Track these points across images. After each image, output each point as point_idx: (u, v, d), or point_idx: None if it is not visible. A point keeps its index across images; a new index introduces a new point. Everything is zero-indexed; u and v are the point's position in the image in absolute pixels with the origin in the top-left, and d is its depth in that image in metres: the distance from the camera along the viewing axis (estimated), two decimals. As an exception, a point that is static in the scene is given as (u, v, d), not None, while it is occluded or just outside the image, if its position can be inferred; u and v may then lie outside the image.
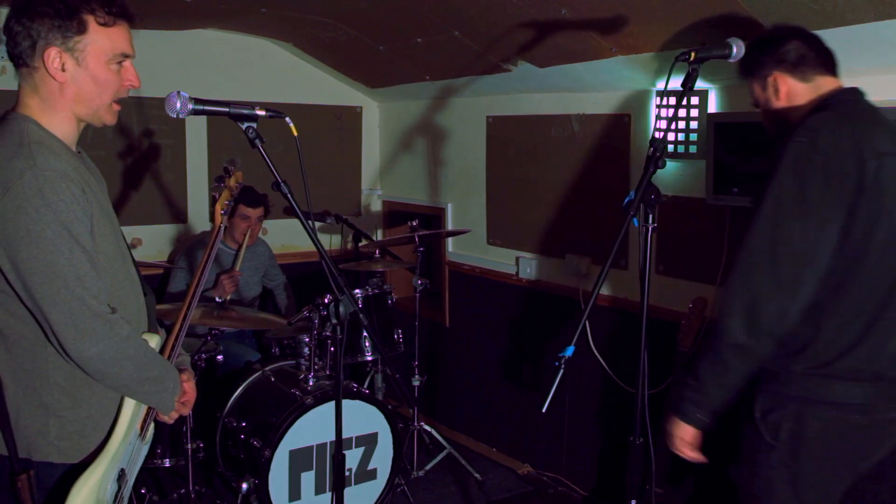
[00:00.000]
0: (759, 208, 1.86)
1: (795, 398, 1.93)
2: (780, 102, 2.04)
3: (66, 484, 1.73)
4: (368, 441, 3.30)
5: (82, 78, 1.71)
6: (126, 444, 1.85)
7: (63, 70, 1.69)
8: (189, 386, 1.98)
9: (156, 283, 4.10)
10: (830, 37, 2.32)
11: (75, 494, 1.71)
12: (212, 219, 4.44)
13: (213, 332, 3.38)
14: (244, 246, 3.86)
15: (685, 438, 1.99)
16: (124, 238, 1.92)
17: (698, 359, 1.99)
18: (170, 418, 1.96)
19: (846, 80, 2.57)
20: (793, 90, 2.02)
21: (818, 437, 1.89)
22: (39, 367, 1.72)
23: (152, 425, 2.01)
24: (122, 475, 1.85)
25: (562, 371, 1.74)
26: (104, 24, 1.70)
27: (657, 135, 1.95)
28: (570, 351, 1.76)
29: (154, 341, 1.92)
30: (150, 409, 1.95)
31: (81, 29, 1.68)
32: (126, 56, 1.76)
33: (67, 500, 1.70)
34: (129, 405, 1.86)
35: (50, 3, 1.66)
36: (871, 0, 2.14)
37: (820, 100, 2.00)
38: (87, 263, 1.66)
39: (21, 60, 1.70)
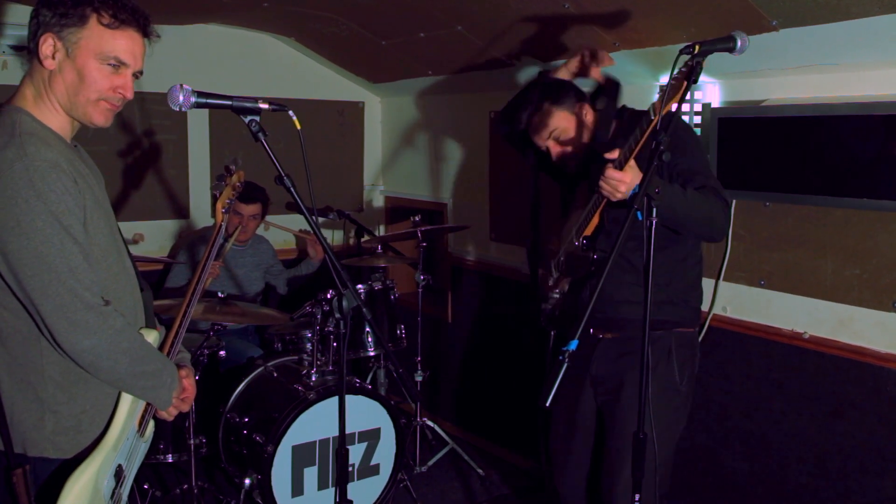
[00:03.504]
0: None
1: None
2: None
3: (61, 478, 1.72)
4: (371, 436, 3.30)
5: (68, 69, 1.72)
6: (124, 440, 1.84)
7: (53, 58, 1.71)
8: (188, 382, 1.98)
9: (157, 279, 4.10)
10: (835, 31, 2.32)
11: (69, 488, 1.70)
12: (213, 215, 4.45)
13: (216, 327, 3.38)
14: (231, 240, 3.84)
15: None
16: (120, 232, 1.92)
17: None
18: (168, 415, 1.95)
19: (850, 75, 2.58)
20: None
21: None
22: (34, 361, 1.71)
23: (152, 423, 2.00)
24: (119, 471, 1.84)
25: (565, 365, 1.74)
26: (107, 26, 1.72)
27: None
28: (573, 345, 1.75)
29: (152, 337, 1.91)
30: (148, 405, 1.95)
31: (81, 23, 1.70)
32: (122, 63, 1.75)
33: (62, 494, 1.69)
34: (127, 400, 1.85)
35: None
36: (876, -7, 2.13)
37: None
38: (79, 255, 1.66)
39: (30, 51, 1.73)
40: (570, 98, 2.54)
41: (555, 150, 2.56)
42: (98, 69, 1.73)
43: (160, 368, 1.85)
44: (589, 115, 2.56)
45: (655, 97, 3.10)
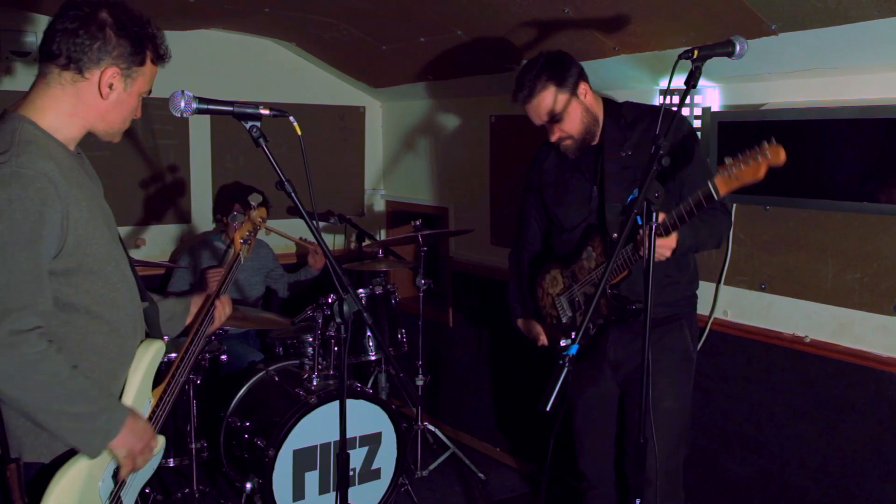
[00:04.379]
0: None
1: None
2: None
3: (49, 476, 1.72)
4: (372, 441, 3.30)
5: (121, 101, 1.79)
6: None
7: (110, 89, 1.75)
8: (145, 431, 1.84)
9: (158, 284, 4.11)
10: (834, 34, 2.32)
11: (57, 480, 1.71)
12: (213, 220, 4.45)
13: (217, 331, 3.39)
14: (245, 248, 3.85)
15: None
16: (123, 243, 1.91)
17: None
18: (124, 469, 1.82)
19: (850, 79, 2.58)
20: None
21: None
22: None
23: (162, 438, 1.99)
24: (118, 472, 1.84)
25: (566, 370, 1.74)
26: (153, 62, 1.82)
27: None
28: (573, 349, 1.76)
29: (154, 348, 1.91)
30: (152, 415, 1.94)
31: (142, 62, 1.78)
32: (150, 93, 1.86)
33: (50, 483, 1.70)
34: (126, 404, 1.85)
35: (126, 30, 1.74)
36: (874, -3, 2.13)
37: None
38: (26, 271, 1.60)
39: (74, 66, 1.71)
40: (571, 77, 2.48)
41: (554, 132, 2.53)
42: (137, 101, 1.83)
43: (95, 412, 1.71)
44: (588, 96, 2.53)
45: (656, 101, 3.14)
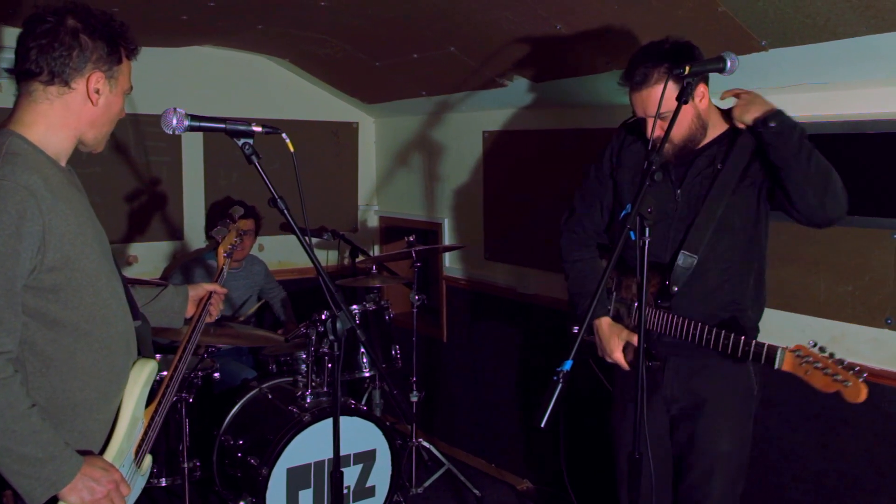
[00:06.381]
0: None
1: None
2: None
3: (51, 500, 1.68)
4: (367, 458, 3.28)
5: (109, 104, 1.78)
6: (118, 466, 1.82)
7: (98, 94, 1.74)
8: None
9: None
10: (822, 50, 2.35)
11: None
12: (206, 237, 4.43)
13: (210, 349, 3.37)
14: (229, 261, 3.83)
15: None
16: (116, 261, 1.90)
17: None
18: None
19: (840, 94, 2.60)
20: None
21: None
22: None
23: (149, 456, 1.97)
24: None
25: (560, 385, 1.73)
26: (128, 58, 1.81)
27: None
28: (568, 365, 1.75)
29: (149, 367, 1.89)
30: (144, 435, 1.92)
31: (119, 60, 1.78)
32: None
33: None
34: (122, 429, 1.83)
35: (98, 31, 1.73)
36: (862, 14, 2.15)
37: None
38: None
39: (59, 79, 1.70)
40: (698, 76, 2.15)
41: (654, 130, 2.21)
42: (122, 100, 1.83)
43: (42, 459, 1.61)
44: (705, 100, 2.25)
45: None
